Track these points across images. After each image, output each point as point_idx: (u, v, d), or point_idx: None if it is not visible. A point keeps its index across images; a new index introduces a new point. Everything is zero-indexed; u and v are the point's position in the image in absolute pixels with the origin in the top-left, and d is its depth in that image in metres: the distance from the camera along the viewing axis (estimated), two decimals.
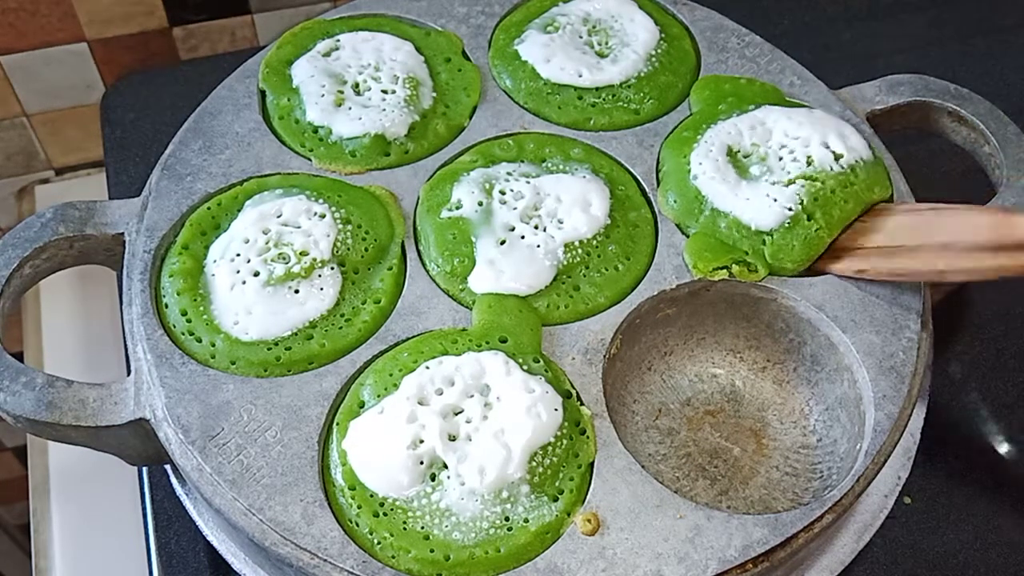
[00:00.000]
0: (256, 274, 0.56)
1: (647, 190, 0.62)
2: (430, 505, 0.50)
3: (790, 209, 0.58)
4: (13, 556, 1.19)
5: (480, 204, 0.58)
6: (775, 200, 0.58)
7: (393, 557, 0.49)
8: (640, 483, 0.51)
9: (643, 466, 0.51)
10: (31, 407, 0.53)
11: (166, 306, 0.56)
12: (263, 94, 0.65)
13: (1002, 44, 0.90)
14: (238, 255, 0.56)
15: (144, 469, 0.65)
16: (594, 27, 0.68)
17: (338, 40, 0.66)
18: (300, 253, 0.56)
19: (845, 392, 0.57)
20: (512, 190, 0.59)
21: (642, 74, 0.66)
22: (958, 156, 0.67)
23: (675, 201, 0.60)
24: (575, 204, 0.59)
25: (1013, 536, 0.64)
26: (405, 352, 0.54)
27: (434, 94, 0.65)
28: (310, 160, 0.62)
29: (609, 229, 0.59)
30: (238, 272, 0.56)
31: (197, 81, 0.70)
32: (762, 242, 0.58)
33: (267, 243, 0.57)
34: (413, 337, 0.55)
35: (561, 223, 0.58)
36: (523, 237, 0.58)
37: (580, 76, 0.65)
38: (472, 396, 0.51)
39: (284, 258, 0.56)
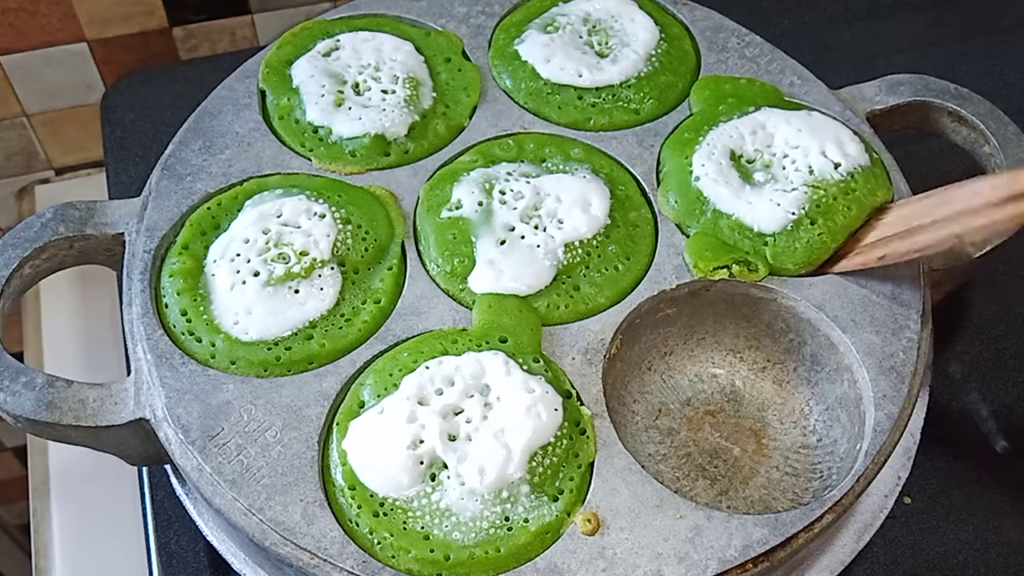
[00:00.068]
0: (256, 274, 0.56)
1: (647, 190, 0.62)
2: (430, 505, 0.50)
3: (793, 214, 0.58)
4: (13, 556, 1.19)
5: (480, 204, 0.58)
6: (778, 205, 0.58)
7: (393, 557, 0.49)
8: (640, 483, 0.51)
9: (643, 466, 0.51)
10: (31, 407, 0.53)
11: (166, 306, 0.56)
12: (263, 94, 0.65)
13: (1002, 44, 0.90)
14: (238, 255, 0.56)
15: (144, 469, 0.65)
16: (594, 27, 0.68)
17: (338, 40, 0.66)
18: (300, 253, 0.56)
19: (845, 392, 0.57)
20: (512, 190, 0.59)
21: (642, 74, 0.66)
22: (958, 156, 0.67)
23: (676, 202, 0.60)
24: (575, 204, 0.59)
25: (1013, 536, 0.64)
26: (405, 352, 0.54)
27: (434, 94, 0.65)
28: (310, 160, 0.62)
29: (609, 229, 0.59)
30: (238, 272, 0.56)
31: (197, 81, 0.70)
32: (764, 243, 0.58)
33: (267, 243, 0.57)
34: (413, 337, 0.55)
35: (561, 223, 0.58)
36: (523, 237, 0.58)
37: (580, 76, 0.65)
38: (472, 396, 0.51)
39: (284, 258, 0.56)
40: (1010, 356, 0.71)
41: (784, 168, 0.60)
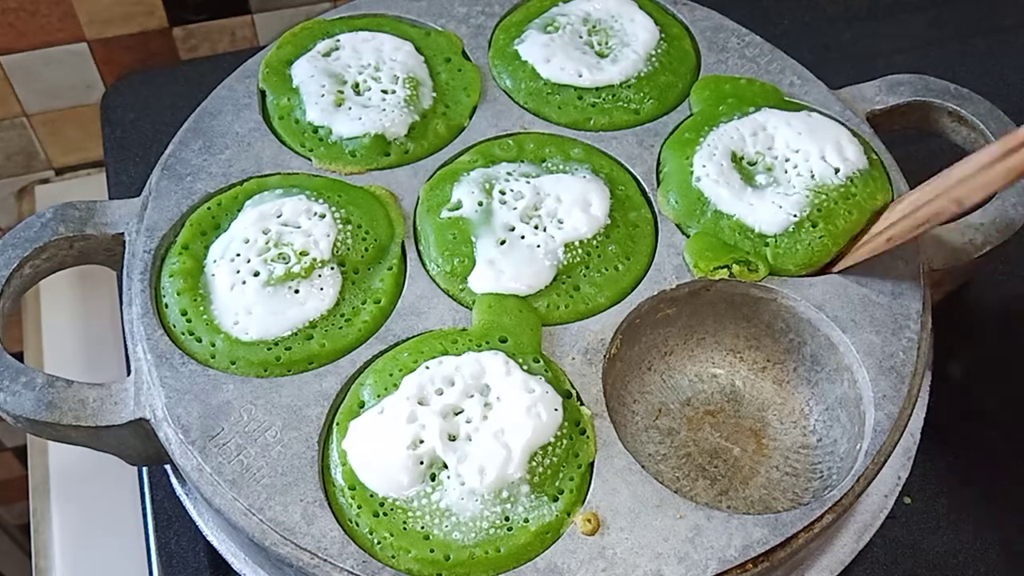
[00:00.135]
0: (256, 274, 0.56)
1: (647, 190, 0.62)
2: (430, 505, 0.50)
3: (795, 216, 0.58)
4: (13, 556, 1.19)
5: (480, 204, 0.58)
6: (780, 207, 0.58)
7: (393, 557, 0.49)
8: (640, 483, 0.51)
9: (643, 466, 0.51)
10: (31, 407, 0.53)
11: (166, 306, 0.56)
12: (263, 94, 0.65)
13: (1002, 44, 0.90)
14: (238, 255, 0.56)
15: (144, 469, 0.65)
16: (594, 27, 0.68)
17: (338, 40, 0.66)
18: (300, 253, 0.56)
19: (845, 392, 0.57)
20: (512, 190, 0.59)
21: (642, 74, 0.66)
22: (958, 156, 0.66)
23: (677, 202, 0.60)
24: (575, 204, 0.59)
25: (1013, 536, 0.64)
26: (405, 352, 0.54)
27: (434, 94, 0.65)
28: (310, 160, 0.62)
29: (609, 229, 0.59)
30: (238, 272, 0.56)
31: (197, 81, 0.70)
32: (765, 244, 0.58)
33: (267, 243, 0.57)
34: (413, 337, 0.55)
35: (561, 223, 0.58)
36: (523, 237, 0.58)
37: (580, 76, 0.65)
38: (472, 396, 0.51)
39: (284, 258, 0.56)
40: (1010, 356, 0.71)
41: (786, 172, 0.60)
